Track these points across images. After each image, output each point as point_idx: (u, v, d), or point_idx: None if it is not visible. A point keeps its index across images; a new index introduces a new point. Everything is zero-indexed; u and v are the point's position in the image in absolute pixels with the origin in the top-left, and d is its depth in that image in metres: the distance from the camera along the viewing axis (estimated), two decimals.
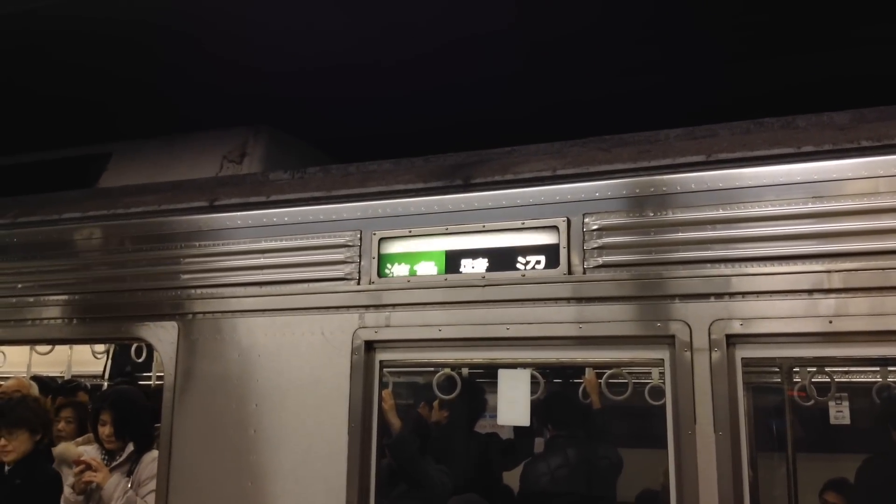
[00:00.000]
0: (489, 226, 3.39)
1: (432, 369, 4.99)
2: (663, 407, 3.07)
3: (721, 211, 3.04)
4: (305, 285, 3.63)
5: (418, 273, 3.47)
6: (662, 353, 3.07)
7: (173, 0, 4.04)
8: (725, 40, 4.22)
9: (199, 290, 3.83)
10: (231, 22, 4.19)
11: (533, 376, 4.30)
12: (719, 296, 2.98)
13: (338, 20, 4.14)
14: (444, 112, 4.95)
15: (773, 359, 4.02)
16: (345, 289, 3.56)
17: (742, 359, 2.96)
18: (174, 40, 4.35)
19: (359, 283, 3.54)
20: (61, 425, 5.97)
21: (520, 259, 3.32)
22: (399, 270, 3.50)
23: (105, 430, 4.79)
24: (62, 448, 5.25)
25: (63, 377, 8.48)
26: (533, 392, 3.88)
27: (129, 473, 4.62)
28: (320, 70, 4.65)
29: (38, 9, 4.10)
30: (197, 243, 3.90)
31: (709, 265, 3.01)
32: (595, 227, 3.21)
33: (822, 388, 5.20)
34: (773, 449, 5.23)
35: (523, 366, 3.56)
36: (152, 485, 4.22)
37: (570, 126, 3.81)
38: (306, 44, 4.38)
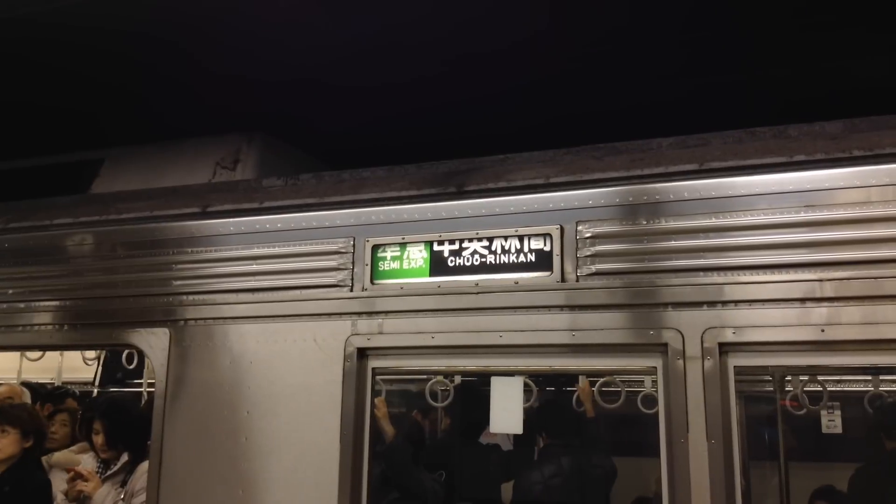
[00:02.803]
0: (482, 233, 3.39)
1: (425, 377, 4.99)
2: (656, 415, 3.07)
3: (714, 219, 3.04)
4: (298, 292, 3.62)
5: (411, 280, 3.46)
6: (655, 362, 3.07)
7: (168, 11, 4.05)
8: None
9: (190, 297, 3.82)
10: (227, 31, 4.19)
11: (526, 384, 4.29)
12: (712, 304, 2.98)
13: (337, 29, 4.15)
14: (448, 125, 4.96)
15: (766, 367, 4.03)
16: (337, 295, 3.55)
17: (735, 367, 2.96)
18: (169, 50, 4.36)
19: (351, 290, 3.53)
20: (55, 427, 5.94)
21: (513, 266, 3.32)
22: (392, 277, 3.49)
23: (98, 440, 4.76)
24: (62, 456, 5.20)
25: (53, 383, 8.45)
26: (526, 400, 3.88)
27: (124, 484, 4.58)
28: (316, 78, 4.66)
29: (29, 16, 4.10)
30: (189, 249, 3.89)
31: (701, 273, 3.02)
32: (588, 234, 3.21)
33: (815, 397, 5.21)
34: (765, 458, 5.23)
35: (516, 373, 3.55)
36: (145, 496, 4.19)
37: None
38: (302, 53, 4.38)
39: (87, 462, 4.85)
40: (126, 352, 6.67)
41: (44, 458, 5.01)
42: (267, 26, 4.16)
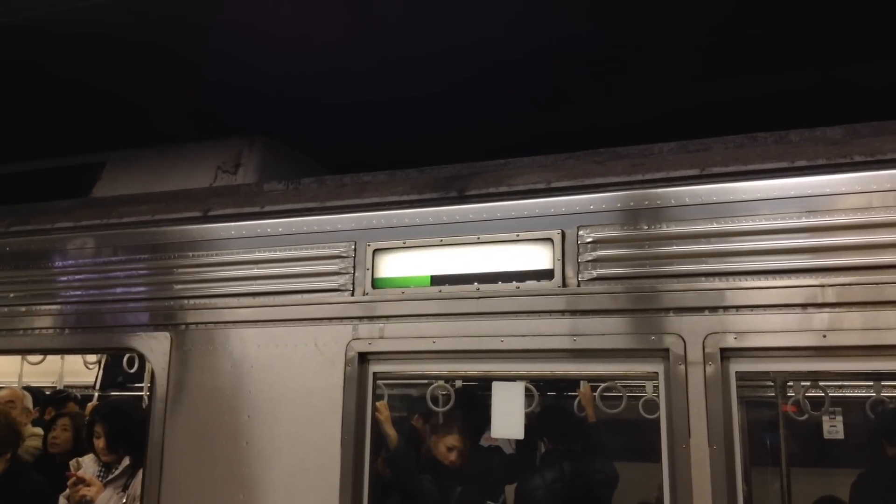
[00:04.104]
0: (484, 238, 3.39)
1: (426, 381, 4.97)
2: (658, 420, 3.07)
3: (715, 224, 3.04)
4: (299, 296, 3.62)
5: (412, 285, 3.46)
6: (657, 367, 3.07)
7: (169, 18, 4.05)
8: None
9: (191, 301, 3.82)
10: (229, 36, 4.20)
11: (527, 389, 4.29)
12: (713, 309, 2.98)
13: (342, 32, 4.15)
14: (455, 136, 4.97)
15: (768, 373, 4.02)
16: (339, 300, 3.54)
17: (736, 372, 2.95)
18: (171, 55, 4.36)
19: (353, 295, 3.53)
20: (56, 433, 5.95)
21: (514, 271, 3.31)
22: (393, 282, 3.49)
23: (99, 443, 4.77)
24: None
25: (55, 387, 8.46)
26: (527, 405, 3.87)
27: (125, 488, 4.58)
28: (320, 82, 4.66)
29: (31, 20, 4.11)
30: (190, 253, 3.89)
31: (703, 279, 3.01)
32: (589, 239, 3.21)
33: (816, 403, 5.20)
34: (767, 463, 5.22)
35: (517, 378, 3.54)
36: None
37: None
38: (307, 56, 4.39)
39: (88, 466, 4.85)
40: (127, 356, 6.66)
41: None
42: (269, 33, 4.16)
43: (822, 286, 2.86)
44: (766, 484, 5.24)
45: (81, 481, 4.50)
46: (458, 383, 5.03)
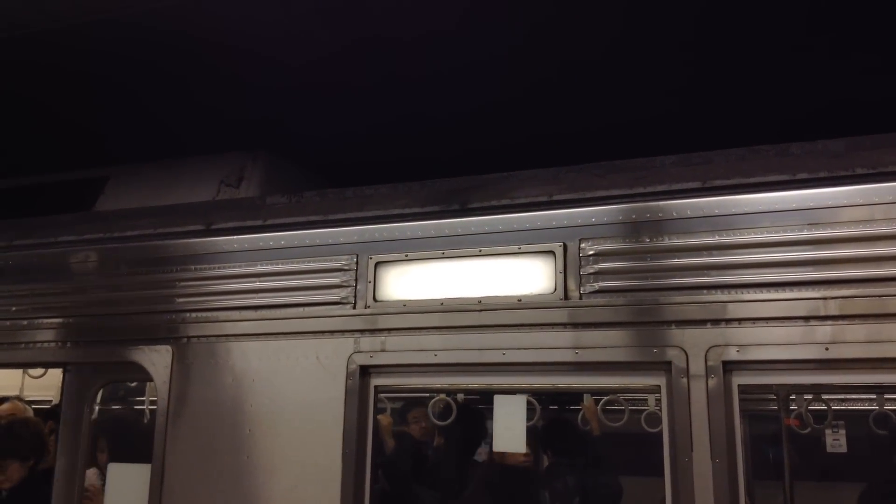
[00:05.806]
0: (486, 250, 3.39)
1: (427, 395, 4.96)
2: (660, 434, 3.05)
3: (717, 237, 3.05)
4: (301, 309, 3.62)
5: (414, 297, 3.46)
6: (659, 380, 3.07)
7: (174, 26, 4.08)
8: None
9: (193, 314, 3.82)
10: (233, 48, 4.22)
11: (529, 402, 4.27)
12: (716, 322, 2.98)
13: (336, 46, 4.17)
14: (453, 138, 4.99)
15: (770, 386, 4.01)
16: (340, 313, 3.54)
17: (739, 385, 2.95)
18: (173, 66, 4.39)
19: (354, 308, 3.53)
20: None
21: (516, 284, 3.31)
22: (395, 295, 3.49)
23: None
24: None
25: (52, 402, 8.41)
26: (529, 418, 3.85)
27: None
28: (319, 96, 4.69)
29: (31, 36, 4.14)
30: (192, 267, 3.89)
31: (705, 291, 3.01)
32: (591, 252, 3.21)
33: (819, 416, 5.18)
34: (769, 477, 5.18)
35: (519, 391, 3.53)
36: None
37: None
38: (306, 70, 4.41)
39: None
40: None
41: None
42: (271, 46, 4.19)
43: (825, 299, 2.86)
44: (768, 498, 5.20)
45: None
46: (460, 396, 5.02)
